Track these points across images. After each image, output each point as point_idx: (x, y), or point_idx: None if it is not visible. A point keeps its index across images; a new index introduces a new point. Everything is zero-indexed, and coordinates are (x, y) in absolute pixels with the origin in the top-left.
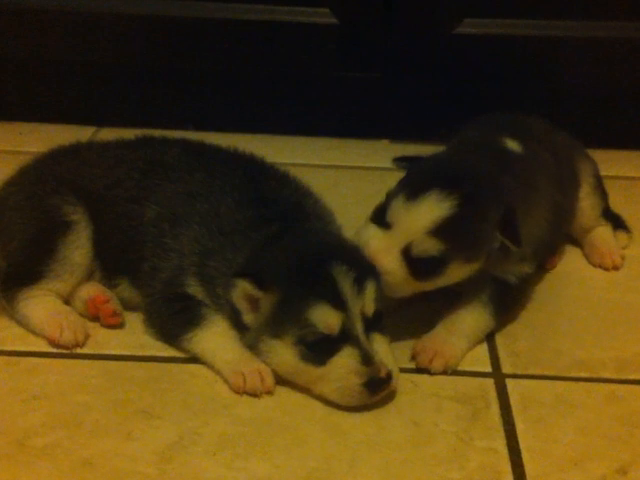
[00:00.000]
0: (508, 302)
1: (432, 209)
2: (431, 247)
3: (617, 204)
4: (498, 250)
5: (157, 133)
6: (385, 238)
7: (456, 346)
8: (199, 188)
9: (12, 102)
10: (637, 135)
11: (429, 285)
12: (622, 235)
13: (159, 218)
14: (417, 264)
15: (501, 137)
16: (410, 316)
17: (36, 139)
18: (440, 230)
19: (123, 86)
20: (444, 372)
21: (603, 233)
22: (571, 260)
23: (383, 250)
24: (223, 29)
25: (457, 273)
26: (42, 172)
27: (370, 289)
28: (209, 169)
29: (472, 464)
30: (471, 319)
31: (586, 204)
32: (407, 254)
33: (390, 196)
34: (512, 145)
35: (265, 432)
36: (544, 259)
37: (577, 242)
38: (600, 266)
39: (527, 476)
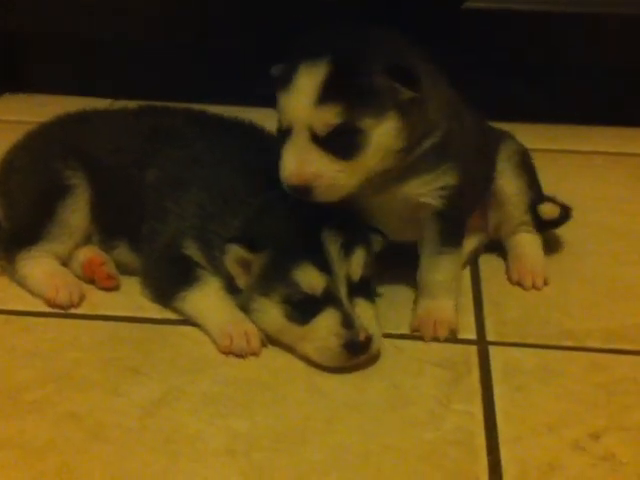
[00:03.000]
0: (454, 234)
1: (307, 81)
2: (329, 115)
3: (625, 181)
4: (415, 109)
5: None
6: (292, 145)
7: (448, 307)
8: (200, 154)
9: (33, 74)
10: None
11: (368, 160)
12: (549, 207)
13: (160, 182)
14: (333, 143)
15: None
16: (400, 282)
17: (55, 110)
18: (325, 94)
19: (139, 59)
20: (452, 335)
21: (530, 244)
22: (563, 233)
23: (297, 162)
24: (243, 4)
25: (381, 136)
26: (46, 137)
27: (358, 254)
28: (211, 136)
29: (447, 426)
30: (439, 273)
31: (508, 186)
32: (318, 140)
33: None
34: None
35: (247, 391)
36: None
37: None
38: (518, 284)
39: (500, 438)
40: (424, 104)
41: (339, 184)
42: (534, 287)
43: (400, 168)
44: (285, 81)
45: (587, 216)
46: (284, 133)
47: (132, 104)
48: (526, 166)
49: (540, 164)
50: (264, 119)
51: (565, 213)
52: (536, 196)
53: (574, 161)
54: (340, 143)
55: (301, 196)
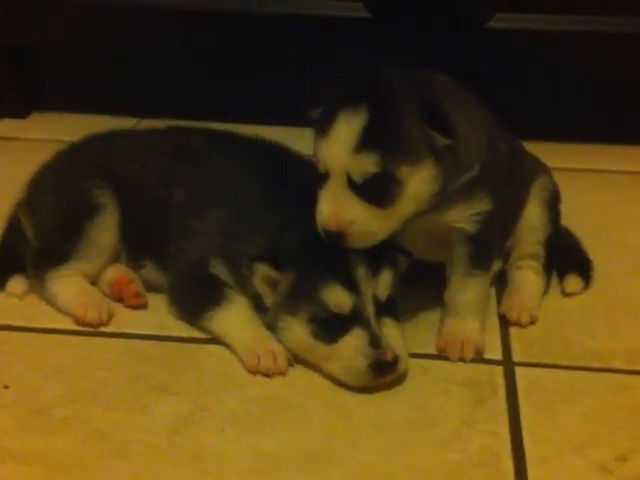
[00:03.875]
0: (485, 257)
1: (346, 129)
2: (367, 163)
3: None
4: (451, 154)
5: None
6: (329, 190)
7: (475, 328)
8: (225, 173)
9: (56, 93)
10: None
11: (403, 208)
12: (573, 281)
13: (185, 201)
14: (369, 190)
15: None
16: (425, 302)
17: (78, 129)
18: (363, 143)
19: (165, 77)
20: (478, 355)
21: (530, 284)
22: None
23: (333, 208)
24: (261, 23)
25: (416, 184)
26: (75, 156)
27: (385, 274)
28: (235, 155)
29: (473, 446)
30: (468, 294)
31: (529, 213)
32: (355, 187)
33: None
34: (440, 75)
35: (273, 410)
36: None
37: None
38: (503, 317)
39: (527, 459)
40: (460, 148)
41: (373, 231)
42: (517, 323)
43: (435, 203)
44: (324, 126)
45: (610, 235)
46: (322, 177)
47: (158, 123)
48: (553, 205)
49: (563, 183)
50: (286, 137)
51: (588, 281)
52: (553, 236)
53: (597, 180)
54: (376, 191)
55: (335, 241)
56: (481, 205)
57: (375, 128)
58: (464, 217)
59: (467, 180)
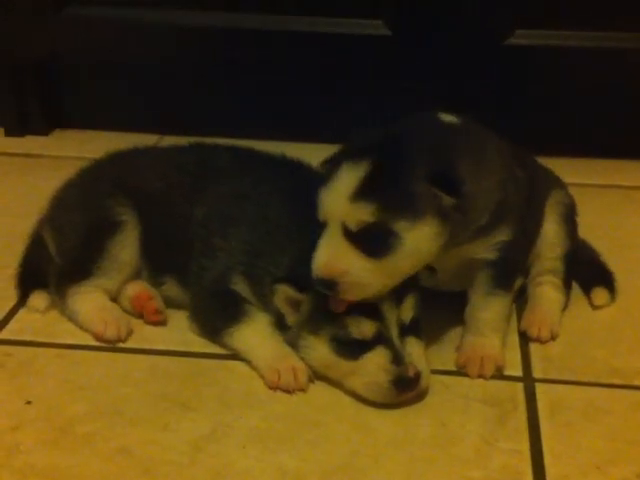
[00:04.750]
0: (507, 278)
1: (346, 178)
2: (363, 213)
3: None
4: (458, 214)
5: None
6: (326, 239)
7: (495, 344)
8: (248, 191)
9: (80, 110)
10: None
11: (400, 263)
12: (601, 294)
13: (208, 218)
14: (363, 240)
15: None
16: (447, 319)
17: (100, 146)
18: (361, 193)
19: (187, 94)
20: (498, 372)
21: (550, 300)
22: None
23: (326, 256)
24: (284, 41)
25: (415, 240)
26: (98, 174)
27: (409, 299)
28: (258, 173)
29: (494, 464)
30: (489, 312)
31: (546, 228)
32: (350, 236)
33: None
34: (447, 117)
35: (295, 427)
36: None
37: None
38: (524, 333)
39: (548, 477)
40: (470, 204)
41: (364, 283)
42: (538, 339)
43: (442, 253)
44: (327, 176)
45: (630, 252)
46: (322, 225)
47: (180, 140)
48: (569, 219)
49: (582, 199)
50: (306, 154)
51: (614, 293)
52: (572, 251)
53: (617, 196)
54: (371, 241)
55: (327, 290)
56: (501, 236)
57: (375, 179)
58: (484, 248)
59: (484, 223)
